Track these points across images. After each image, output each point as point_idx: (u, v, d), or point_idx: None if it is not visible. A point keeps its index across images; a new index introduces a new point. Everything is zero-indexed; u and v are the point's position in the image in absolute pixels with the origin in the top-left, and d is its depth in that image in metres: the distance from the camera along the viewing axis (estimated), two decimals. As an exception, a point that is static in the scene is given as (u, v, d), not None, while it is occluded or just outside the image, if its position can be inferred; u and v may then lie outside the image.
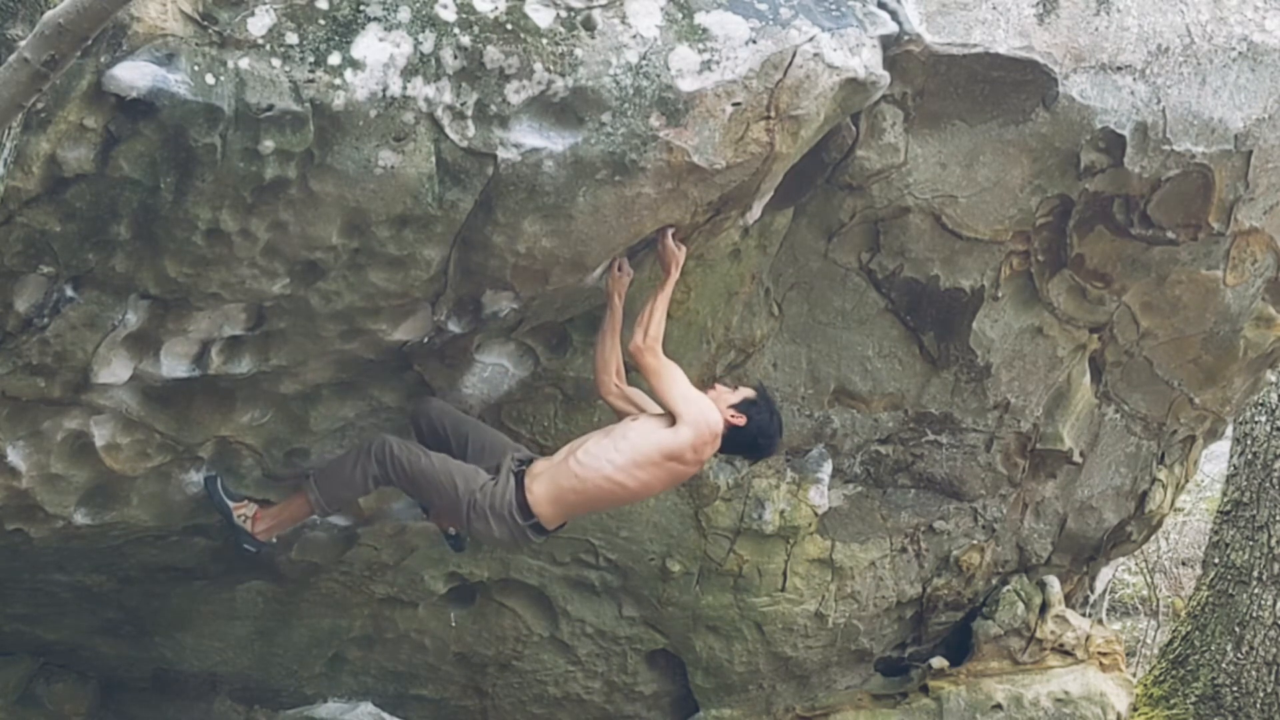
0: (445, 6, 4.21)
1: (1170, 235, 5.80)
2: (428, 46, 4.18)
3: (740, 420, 4.95)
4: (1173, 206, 5.69)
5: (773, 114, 4.53)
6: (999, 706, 7.07)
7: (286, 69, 4.07)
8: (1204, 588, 8.57)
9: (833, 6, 4.67)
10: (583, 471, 4.88)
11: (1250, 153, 5.58)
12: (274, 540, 5.25)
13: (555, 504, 4.93)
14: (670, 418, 4.86)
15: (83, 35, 3.40)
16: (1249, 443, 8.48)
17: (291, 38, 4.08)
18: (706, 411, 4.87)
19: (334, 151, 4.18)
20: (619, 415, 5.05)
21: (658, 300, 4.85)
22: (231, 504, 5.09)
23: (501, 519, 4.91)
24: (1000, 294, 5.87)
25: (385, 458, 4.96)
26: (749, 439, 5.04)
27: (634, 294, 5.25)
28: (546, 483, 4.92)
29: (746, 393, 5.05)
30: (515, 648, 6.58)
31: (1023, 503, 6.85)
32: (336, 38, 4.11)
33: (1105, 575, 8.45)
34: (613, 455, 4.87)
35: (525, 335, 5.27)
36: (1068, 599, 7.44)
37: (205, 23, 4.00)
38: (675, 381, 4.86)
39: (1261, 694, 8.12)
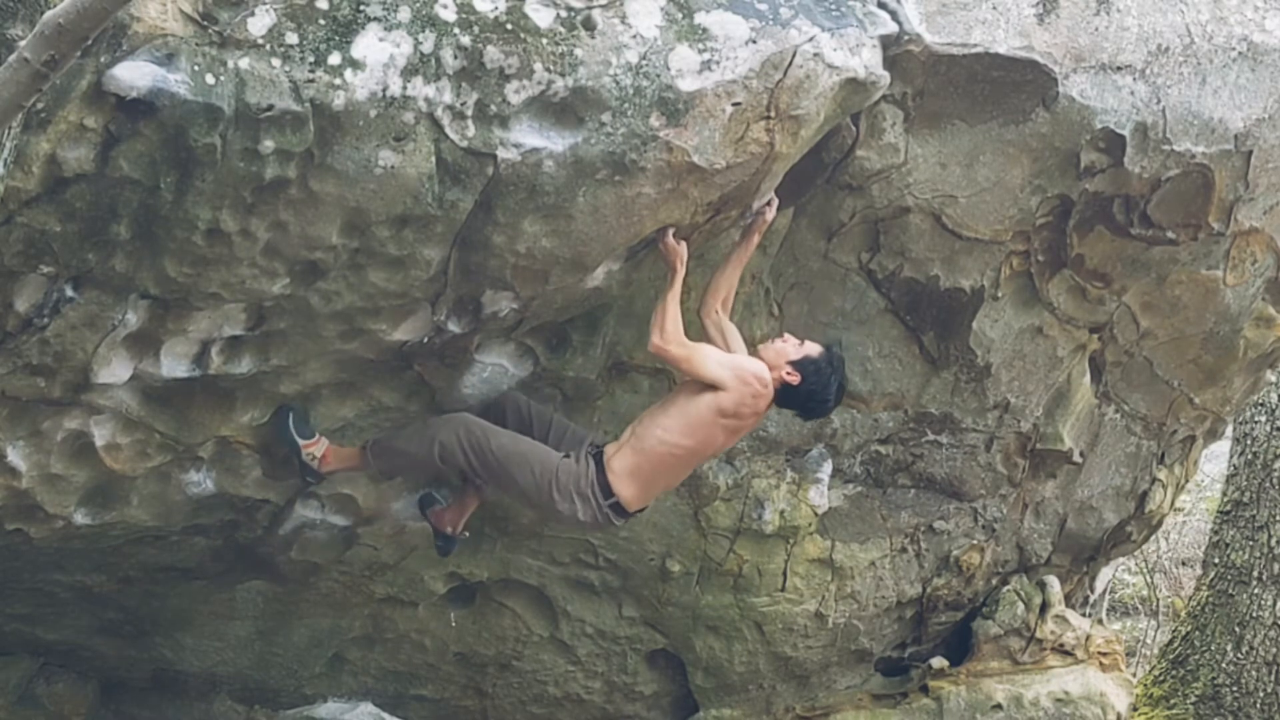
0: (445, 6, 4.21)
1: (1170, 235, 5.80)
2: (428, 46, 4.18)
3: (794, 379, 5.03)
4: (1173, 206, 5.69)
5: (773, 114, 4.53)
6: (999, 706, 7.07)
7: (286, 69, 4.07)
8: (1204, 588, 8.56)
9: (833, 6, 4.67)
10: (640, 444, 5.04)
11: (1250, 153, 5.58)
12: (334, 471, 5.25)
13: (632, 479, 5.06)
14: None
15: (83, 35, 3.40)
16: (1249, 443, 8.47)
17: (291, 38, 4.08)
18: (746, 371, 4.98)
19: (334, 151, 4.18)
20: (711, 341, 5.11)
21: (668, 298, 4.88)
22: (302, 442, 5.08)
23: (586, 498, 5.04)
24: (1000, 294, 5.87)
25: (462, 437, 5.03)
26: (800, 399, 5.11)
27: (634, 294, 5.27)
28: (619, 460, 5.05)
29: (810, 350, 5.09)
30: (515, 648, 6.58)
31: (1023, 503, 6.85)
32: (336, 38, 4.11)
33: (1105, 575, 8.44)
34: (665, 423, 5.02)
35: (525, 335, 5.27)
36: (1068, 599, 7.44)
37: (205, 23, 4.00)
38: (706, 358, 4.95)
39: (1261, 694, 8.12)
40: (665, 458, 5.07)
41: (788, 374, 5.02)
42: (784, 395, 5.08)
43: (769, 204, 5.03)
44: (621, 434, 5.18)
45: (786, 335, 5.19)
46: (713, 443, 5.17)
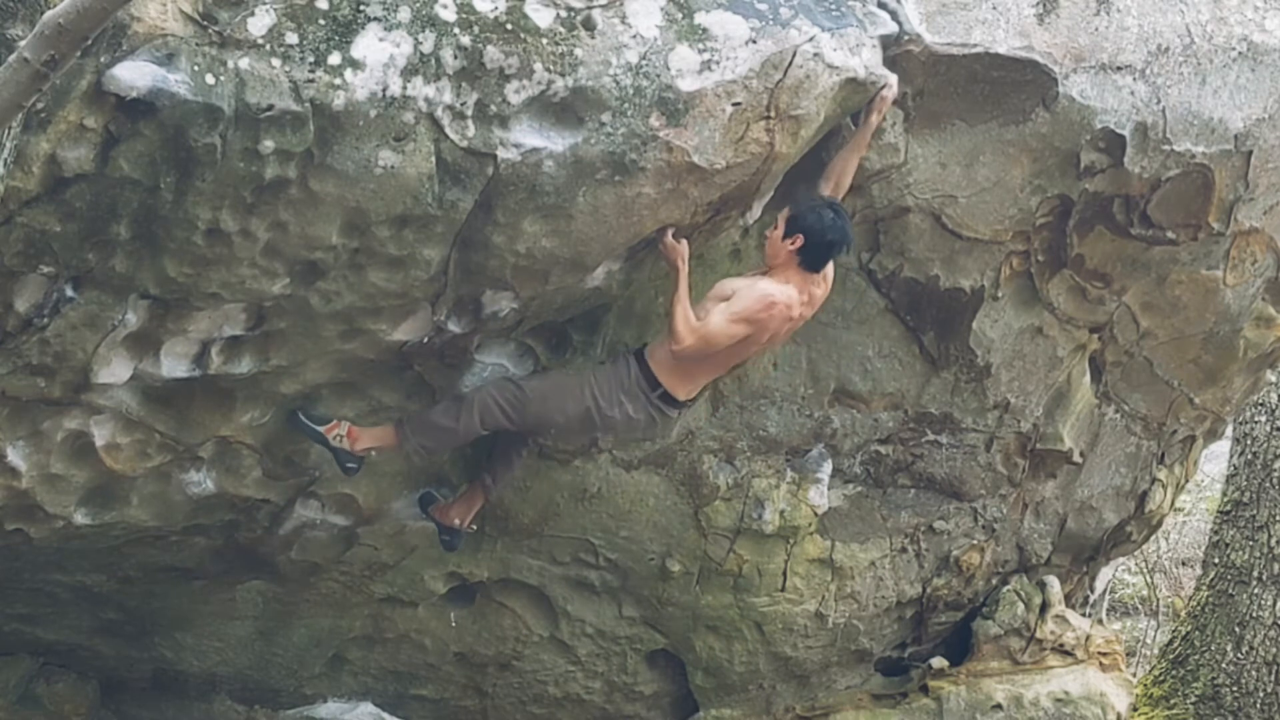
0: (445, 6, 4.21)
1: (1170, 235, 5.80)
2: (428, 46, 4.18)
3: (798, 243, 4.93)
4: (1173, 206, 5.69)
5: (773, 114, 4.54)
6: (999, 706, 7.06)
7: (286, 69, 4.07)
8: (1204, 588, 8.57)
9: (833, 6, 4.68)
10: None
11: (1250, 153, 5.58)
12: (373, 453, 5.25)
13: (676, 369, 5.07)
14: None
15: (83, 35, 3.40)
16: (1249, 443, 8.48)
17: (291, 38, 4.08)
18: (753, 311, 4.93)
19: (334, 151, 4.18)
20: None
21: (674, 301, 4.87)
22: (323, 427, 5.09)
23: (633, 395, 5.08)
24: (1000, 294, 5.87)
25: (497, 396, 5.08)
26: (816, 249, 4.96)
27: (634, 294, 5.27)
28: (662, 351, 5.06)
29: (783, 216, 4.96)
30: (515, 648, 6.58)
31: (1023, 503, 6.85)
32: (336, 38, 4.12)
33: (1105, 575, 8.44)
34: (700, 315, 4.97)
35: (525, 335, 5.27)
36: (1068, 599, 7.44)
37: (205, 23, 4.01)
38: (717, 331, 4.91)
39: (1261, 694, 8.12)
40: (705, 351, 5.04)
41: (791, 247, 4.93)
42: (807, 258, 4.97)
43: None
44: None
45: (768, 231, 5.07)
46: (751, 347, 5.16)
